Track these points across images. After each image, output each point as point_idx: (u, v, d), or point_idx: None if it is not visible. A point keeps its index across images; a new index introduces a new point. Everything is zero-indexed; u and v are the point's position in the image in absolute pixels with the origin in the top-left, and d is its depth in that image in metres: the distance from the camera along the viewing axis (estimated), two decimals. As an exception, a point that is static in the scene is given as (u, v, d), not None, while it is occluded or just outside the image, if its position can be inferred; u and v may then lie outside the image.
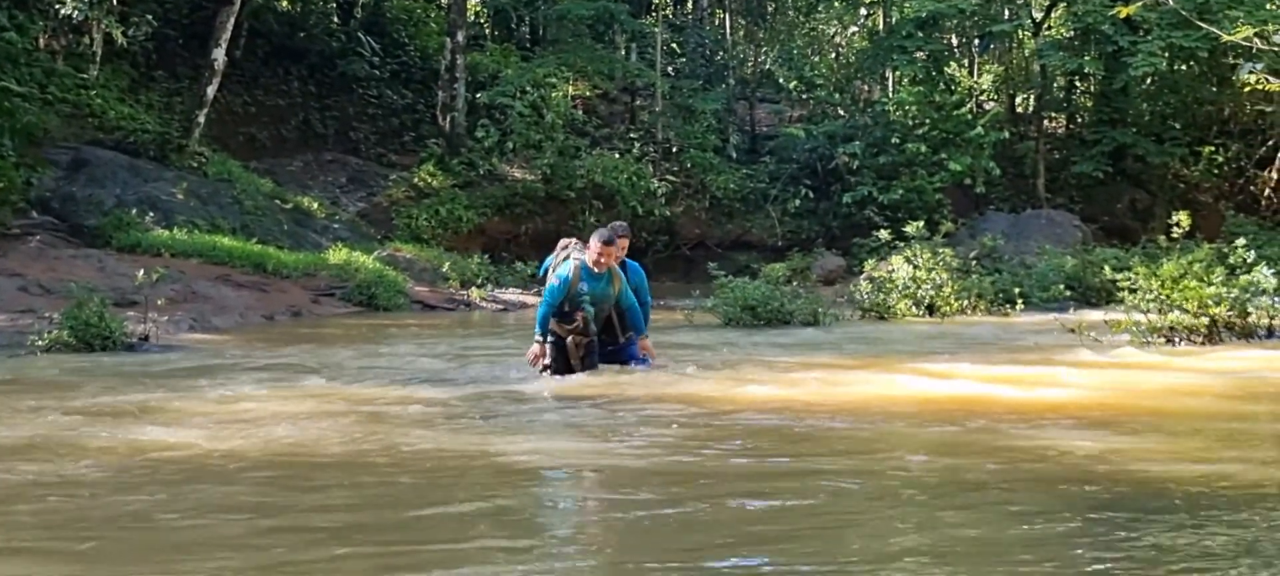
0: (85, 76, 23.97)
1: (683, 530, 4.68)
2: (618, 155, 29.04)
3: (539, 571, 4.07)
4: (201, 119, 24.20)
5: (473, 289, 23.03)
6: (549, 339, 9.31)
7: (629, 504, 5.28)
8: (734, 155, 31.87)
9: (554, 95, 28.46)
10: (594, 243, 9.13)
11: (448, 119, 29.19)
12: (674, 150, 30.66)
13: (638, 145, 30.19)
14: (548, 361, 9.29)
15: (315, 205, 25.61)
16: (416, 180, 27.73)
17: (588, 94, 32.31)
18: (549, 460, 6.43)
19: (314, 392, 9.13)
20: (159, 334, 13.76)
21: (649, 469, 6.16)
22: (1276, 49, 21.41)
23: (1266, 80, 22.94)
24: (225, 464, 6.12)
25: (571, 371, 9.24)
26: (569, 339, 9.24)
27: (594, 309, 9.17)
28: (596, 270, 9.11)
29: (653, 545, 4.49)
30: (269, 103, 28.77)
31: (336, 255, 21.97)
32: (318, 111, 29.60)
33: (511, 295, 23.54)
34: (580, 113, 30.78)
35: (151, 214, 20.86)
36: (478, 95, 28.78)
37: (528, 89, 27.94)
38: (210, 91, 24.07)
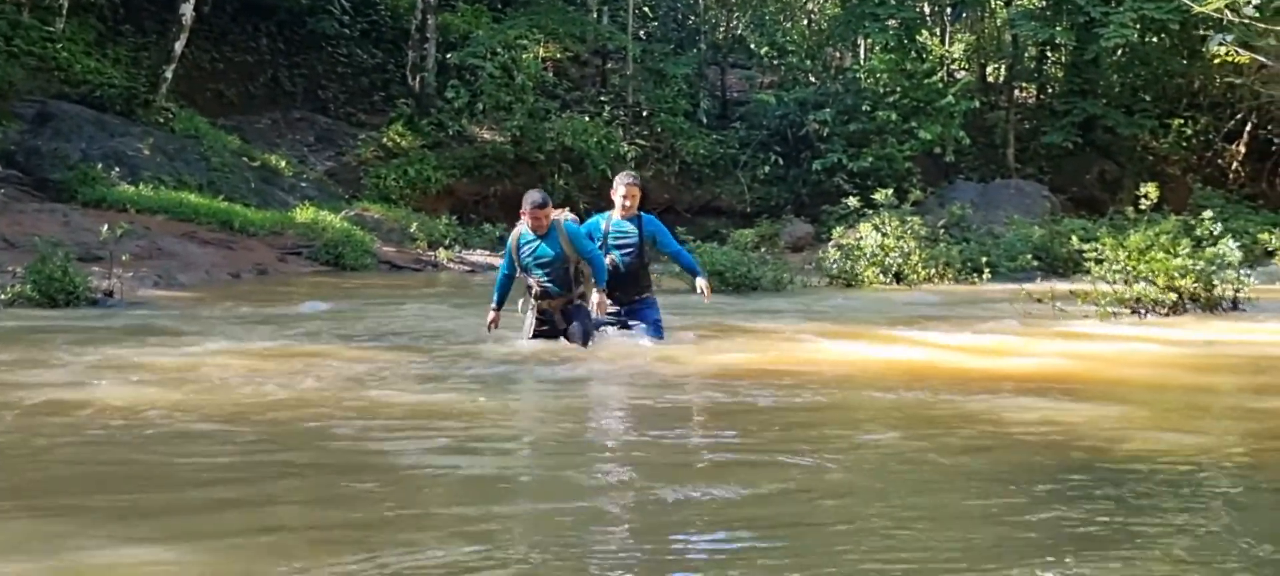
0: (51, 29, 23.68)
1: (639, 509, 4.68)
2: (588, 118, 28.94)
3: (494, 549, 4.06)
4: (169, 74, 23.95)
5: (440, 250, 22.98)
6: (529, 306, 9.27)
7: (587, 477, 5.29)
8: (704, 120, 31.80)
9: (525, 57, 28.29)
10: (524, 206, 9.08)
11: (417, 79, 29.01)
12: (644, 114, 30.58)
13: (608, 109, 30.09)
14: (529, 333, 9.24)
15: (283, 163, 25.43)
16: (385, 140, 27.56)
17: (558, 56, 32.12)
18: (506, 428, 6.42)
19: (278, 351, 9.08)
20: (123, 290, 13.66)
21: (614, 443, 6.16)
22: (1246, 21, 21.54)
23: (1236, 53, 23.10)
24: (187, 422, 6.07)
25: (554, 336, 9.18)
26: (543, 305, 9.16)
27: (544, 271, 9.05)
28: (535, 233, 9.03)
29: (615, 524, 4.49)
30: (237, 59, 28.48)
31: (304, 214, 21.85)
32: (286, 69, 29.34)
33: (479, 257, 23.50)
34: (551, 75, 30.62)
35: (117, 169, 20.66)
36: (448, 56, 28.60)
37: (498, 50, 27.78)
38: (178, 47, 23.83)
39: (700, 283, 9.67)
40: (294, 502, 4.51)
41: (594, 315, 9.14)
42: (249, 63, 28.75)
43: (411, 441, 5.74)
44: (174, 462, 5.16)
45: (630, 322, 9.43)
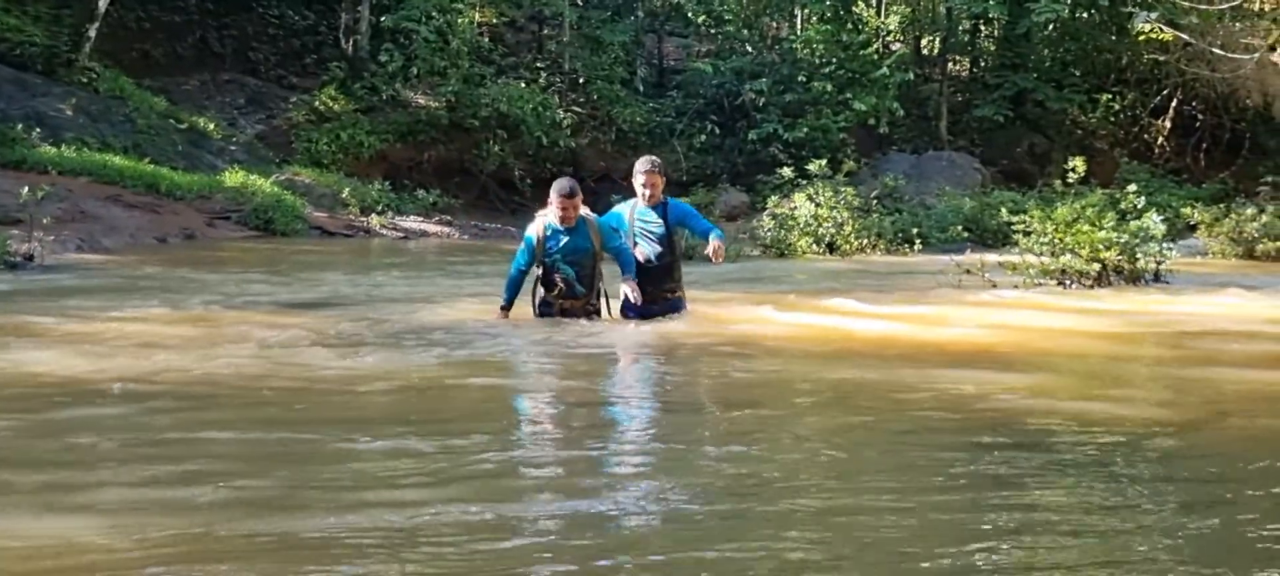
0: (-31, -16, 23.09)
1: (570, 479, 4.68)
2: (524, 85, 28.73)
3: (421, 522, 4.04)
4: (92, 33, 23.43)
5: (372, 216, 22.78)
6: (539, 306, 8.72)
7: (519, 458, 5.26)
8: (641, 88, 31.70)
9: (460, 21, 28.03)
10: (553, 197, 8.45)
11: (350, 42, 28.64)
12: (581, 81, 30.42)
13: (544, 75, 29.90)
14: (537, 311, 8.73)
15: (211, 126, 24.99)
16: (317, 104, 27.18)
17: (494, 21, 31.85)
18: (436, 398, 6.38)
19: (204, 317, 8.96)
20: (44, 254, 13.42)
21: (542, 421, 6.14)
22: (1171, -1, 21.76)
23: (1161, 29, 23.41)
24: (109, 388, 5.97)
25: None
26: (557, 306, 8.65)
27: (572, 268, 8.53)
28: (563, 225, 8.47)
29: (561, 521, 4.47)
30: (164, 18, 27.90)
31: (233, 178, 21.52)
32: (215, 29, 28.80)
33: (412, 223, 23.33)
34: (486, 40, 30.36)
35: (38, 129, 20.18)
36: (382, 19, 28.23)
37: (433, 14, 27.47)
38: (102, 4, 23.32)
39: (712, 243, 8.71)
40: (217, 473, 4.44)
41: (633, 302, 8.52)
42: (176, 22, 28.18)
43: (349, 402, 5.68)
44: (92, 430, 5.07)
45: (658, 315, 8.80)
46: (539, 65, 30.58)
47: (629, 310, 8.69)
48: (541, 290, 8.70)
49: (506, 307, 8.69)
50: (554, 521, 3.84)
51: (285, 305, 9.96)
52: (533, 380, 7.00)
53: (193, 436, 4.96)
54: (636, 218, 8.86)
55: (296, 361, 6.89)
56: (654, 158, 9.25)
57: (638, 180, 8.87)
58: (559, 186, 8.54)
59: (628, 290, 8.47)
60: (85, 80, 23.05)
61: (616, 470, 4.66)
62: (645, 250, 8.76)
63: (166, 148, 22.69)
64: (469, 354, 7.53)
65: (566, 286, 8.58)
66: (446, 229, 23.48)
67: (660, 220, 8.83)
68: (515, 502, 4.03)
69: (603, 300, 8.84)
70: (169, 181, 20.13)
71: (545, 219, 8.56)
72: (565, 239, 8.49)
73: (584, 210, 8.63)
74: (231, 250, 17.09)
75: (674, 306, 8.94)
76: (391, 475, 4.36)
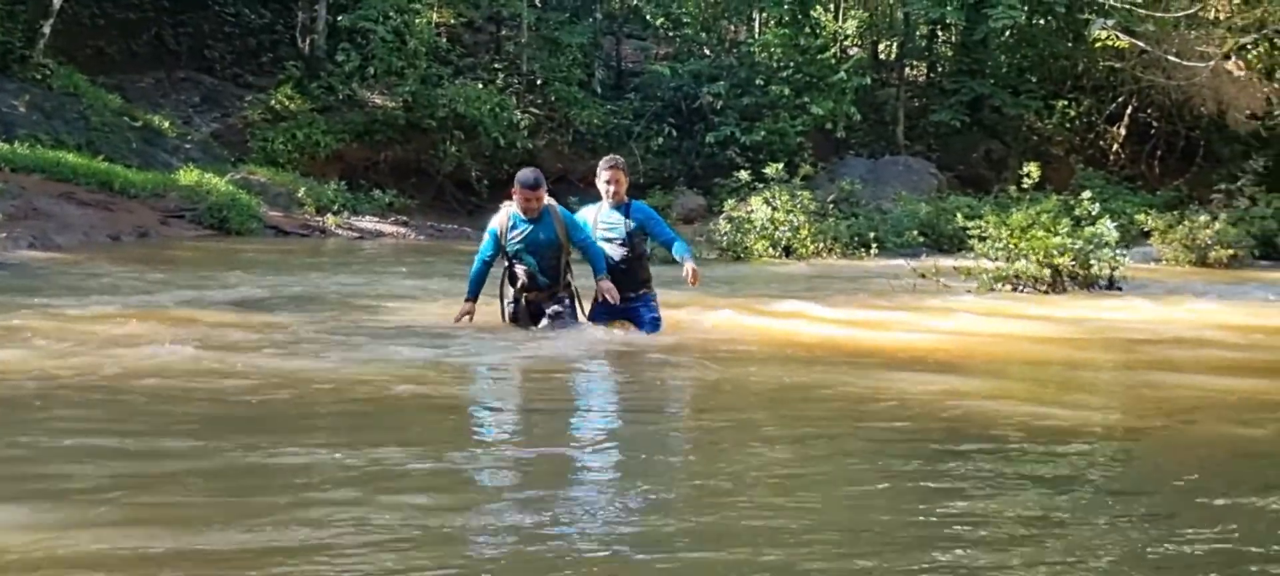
0: (-82, -22, 22.75)
1: (518, 482, 4.66)
2: (481, 86, 28.63)
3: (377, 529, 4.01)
4: (47, 29, 23.15)
5: (328, 215, 22.66)
6: (508, 298, 8.62)
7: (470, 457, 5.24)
8: (599, 90, 31.66)
9: (418, 21, 27.88)
10: (516, 188, 8.37)
11: (307, 41, 28.44)
12: (538, 83, 30.35)
13: (502, 76, 29.80)
14: (508, 314, 8.66)
15: (166, 124, 24.75)
16: (273, 103, 26.96)
17: (452, 22, 31.73)
18: (384, 400, 6.33)
19: (149, 315, 8.85)
20: (-6, 251, 13.27)
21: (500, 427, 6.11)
22: (1128, 6, 22.02)
23: (1117, 37, 23.69)
24: (57, 386, 5.88)
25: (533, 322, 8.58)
26: (523, 301, 8.54)
27: (535, 259, 8.40)
28: (526, 216, 8.37)
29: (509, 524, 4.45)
30: (119, 15, 27.61)
31: (187, 176, 21.34)
32: (170, 27, 28.52)
33: (368, 223, 23.21)
34: (444, 41, 30.22)
35: (-10, 126, 19.97)
36: (339, 18, 28.07)
37: (391, 14, 27.33)
38: (56, 1, 23.05)
39: (687, 266, 8.62)
40: (126, 483, 4.38)
41: (602, 301, 8.39)
42: (131, 19, 27.89)
43: (301, 403, 5.63)
44: (47, 429, 4.99)
45: (627, 316, 8.59)
46: (496, 66, 30.48)
47: (598, 314, 8.60)
48: (509, 290, 8.61)
49: (471, 299, 8.59)
50: (496, 534, 3.81)
51: (233, 304, 9.87)
52: (479, 387, 6.96)
53: (105, 443, 4.84)
54: (599, 221, 8.70)
55: (234, 363, 6.79)
56: (617, 156, 9.11)
57: (602, 177, 8.71)
58: (521, 176, 8.44)
59: (601, 292, 8.36)
60: (39, 76, 22.78)
61: (564, 480, 4.64)
62: (608, 253, 8.59)
63: (120, 145, 22.47)
64: (417, 358, 7.48)
65: (529, 278, 8.47)
66: (402, 229, 23.37)
67: (623, 220, 8.68)
68: (453, 515, 3.99)
69: (574, 295, 8.71)
70: (123, 179, 19.92)
71: (510, 209, 8.49)
72: (527, 229, 8.40)
73: (550, 201, 8.53)
74: (185, 249, 16.96)
75: (639, 307, 8.69)
76: (321, 485, 4.29)
